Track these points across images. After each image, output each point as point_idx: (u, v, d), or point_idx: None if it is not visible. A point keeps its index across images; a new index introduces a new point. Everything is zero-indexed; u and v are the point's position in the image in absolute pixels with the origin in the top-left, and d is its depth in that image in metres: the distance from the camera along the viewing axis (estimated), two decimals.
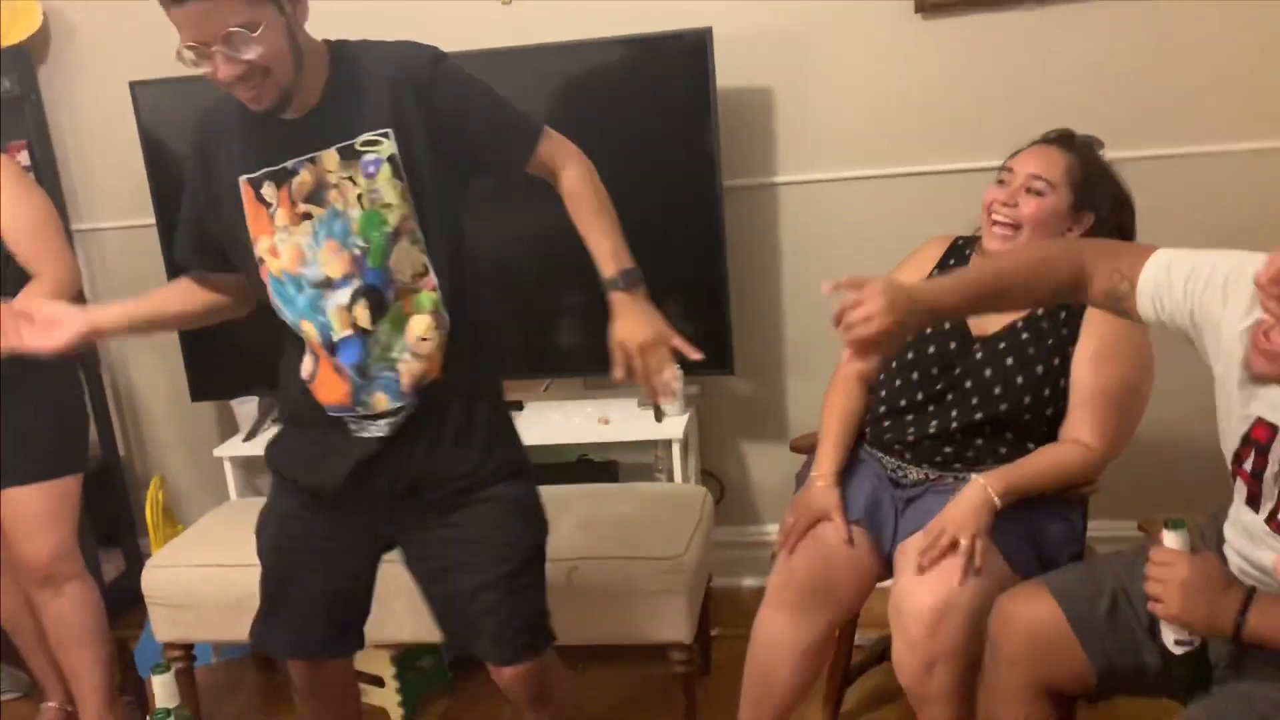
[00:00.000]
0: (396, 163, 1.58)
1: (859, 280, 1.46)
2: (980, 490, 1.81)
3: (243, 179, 1.63)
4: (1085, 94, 2.60)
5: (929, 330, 1.97)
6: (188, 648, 2.45)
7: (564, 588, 2.23)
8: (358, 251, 1.59)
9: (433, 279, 1.64)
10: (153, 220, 2.87)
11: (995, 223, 1.94)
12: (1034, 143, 2.00)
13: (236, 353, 2.75)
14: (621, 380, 1.61)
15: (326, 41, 1.63)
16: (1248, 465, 1.40)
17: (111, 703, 2.42)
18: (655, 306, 1.64)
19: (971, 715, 1.77)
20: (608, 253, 1.65)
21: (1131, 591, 1.57)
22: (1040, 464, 1.86)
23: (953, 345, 1.96)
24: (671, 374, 1.61)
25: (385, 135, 1.58)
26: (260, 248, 1.64)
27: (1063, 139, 1.99)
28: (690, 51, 2.56)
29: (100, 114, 3.03)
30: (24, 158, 2.97)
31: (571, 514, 2.43)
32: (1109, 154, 2.02)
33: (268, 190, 1.61)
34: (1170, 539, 1.44)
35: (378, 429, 1.67)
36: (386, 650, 2.44)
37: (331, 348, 1.64)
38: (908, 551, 1.85)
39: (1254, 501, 1.41)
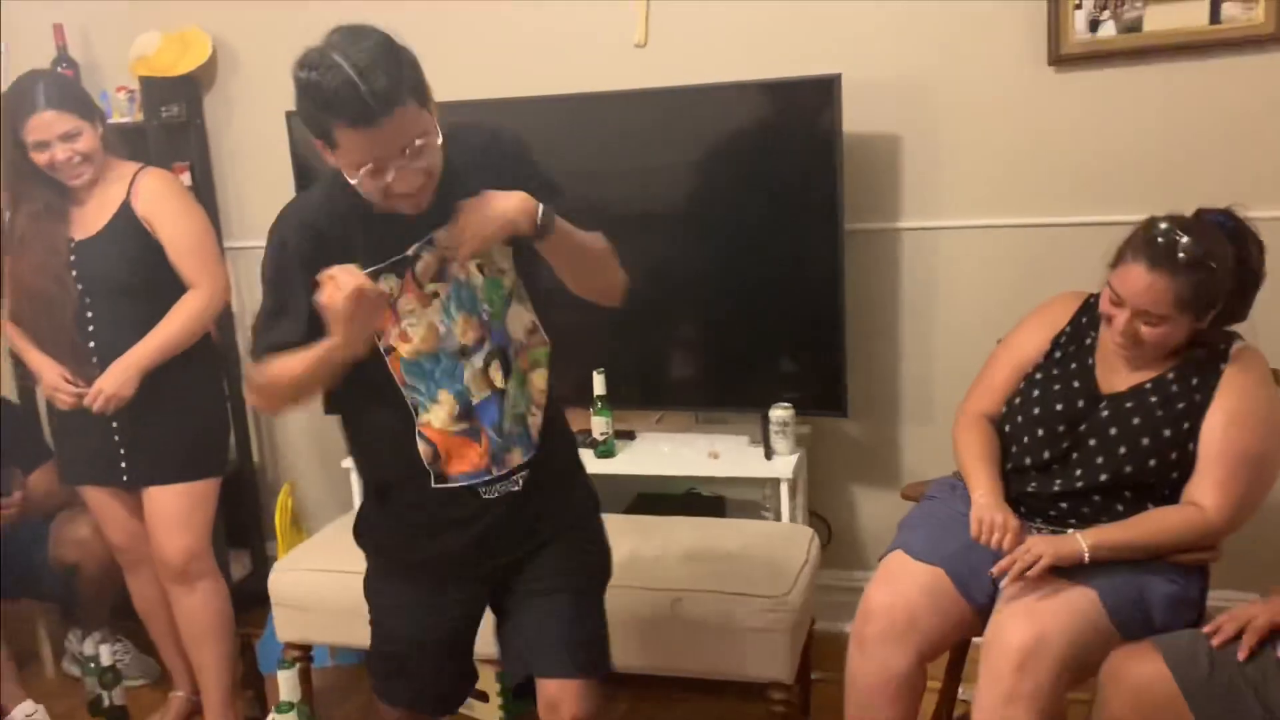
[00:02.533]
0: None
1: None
2: (1072, 539, 1.80)
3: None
4: (1219, 150, 2.54)
5: (1057, 387, 1.96)
6: (306, 648, 2.57)
7: (667, 618, 2.27)
8: (485, 316, 1.68)
9: (542, 334, 1.76)
10: None
11: (1117, 340, 1.88)
12: (1142, 259, 1.82)
13: None
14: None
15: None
16: None
17: (233, 696, 2.55)
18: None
19: None
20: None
21: (1259, 685, 1.52)
22: (1146, 525, 1.82)
23: (1080, 404, 1.94)
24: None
25: None
26: (390, 338, 1.67)
27: (1169, 259, 1.80)
28: (819, 97, 2.60)
29: (256, 140, 3.24)
30: (186, 178, 3.18)
31: (678, 545, 2.47)
32: (1246, 213, 1.95)
33: (387, 283, 1.63)
34: None
35: (512, 484, 1.74)
36: (492, 666, 2.51)
37: (469, 413, 1.70)
38: (1010, 594, 1.83)
39: None
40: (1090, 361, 1.97)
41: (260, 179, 3.27)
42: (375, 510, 1.83)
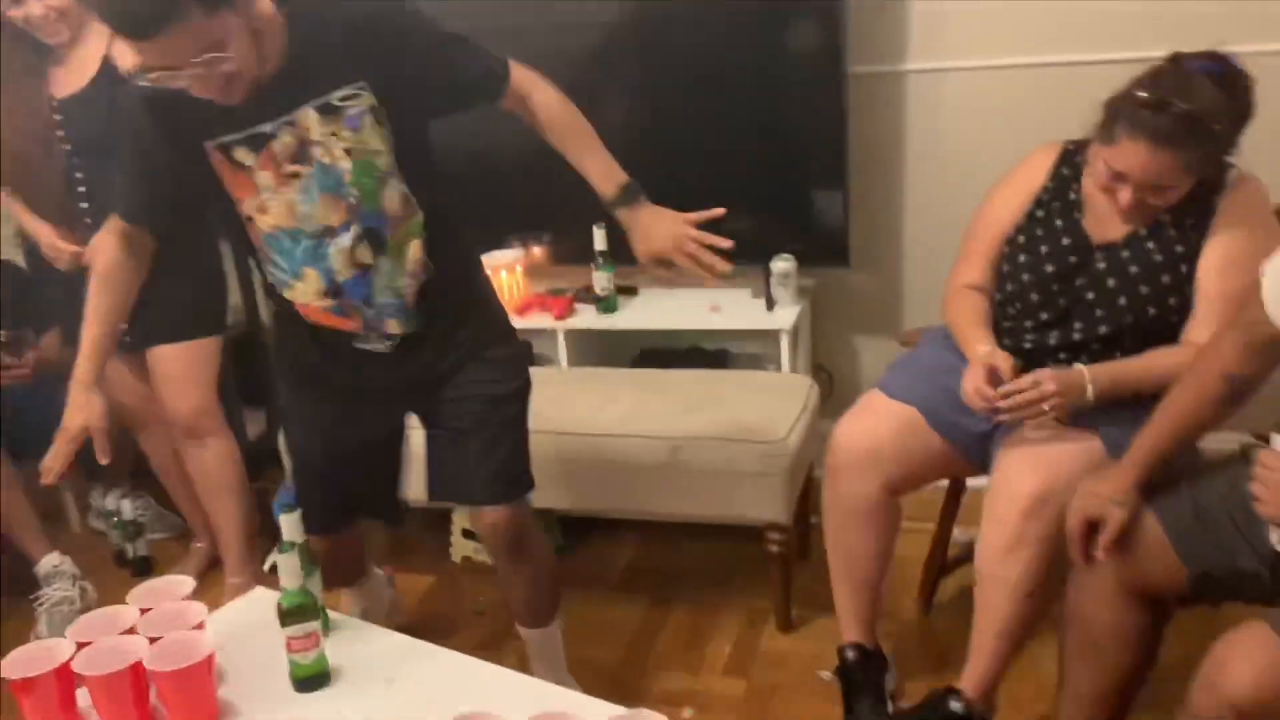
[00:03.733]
0: (378, 111, 1.63)
1: None
2: (1078, 374, 1.78)
3: (209, 145, 1.63)
4: None
5: (1044, 248, 1.91)
6: None
7: (668, 465, 2.32)
8: (353, 200, 1.66)
9: (414, 205, 1.73)
10: None
11: (1121, 209, 1.79)
12: (1139, 135, 1.71)
13: None
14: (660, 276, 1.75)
15: (276, 2, 1.60)
16: None
17: (252, 546, 2.64)
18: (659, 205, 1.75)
19: (1035, 614, 1.79)
20: (601, 173, 1.74)
21: (1231, 498, 1.54)
22: (1148, 364, 1.81)
23: (1072, 259, 1.89)
24: (710, 259, 1.72)
25: (362, 89, 1.62)
26: (247, 207, 1.68)
27: (1171, 134, 1.70)
28: None
29: None
30: None
31: (677, 395, 2.50)
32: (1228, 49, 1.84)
33: (241, 153, 1.63)
34: (1279, 442, 1.40)
35: (383, 345, 1.81)
36: None
37: (336, 290, 1.73)
38: (1015, 439, 1.84)
39: None
40: (1077, 215, 1.91)
41: None
42: (281, 335, 1.93)
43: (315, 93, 1.61)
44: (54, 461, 1.78)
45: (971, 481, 2.26)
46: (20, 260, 3.18)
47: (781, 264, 2.70)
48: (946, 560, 2.36)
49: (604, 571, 2.69)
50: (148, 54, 1.47)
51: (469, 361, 1.85)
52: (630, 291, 2.95)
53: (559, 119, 1.76)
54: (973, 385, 1.81)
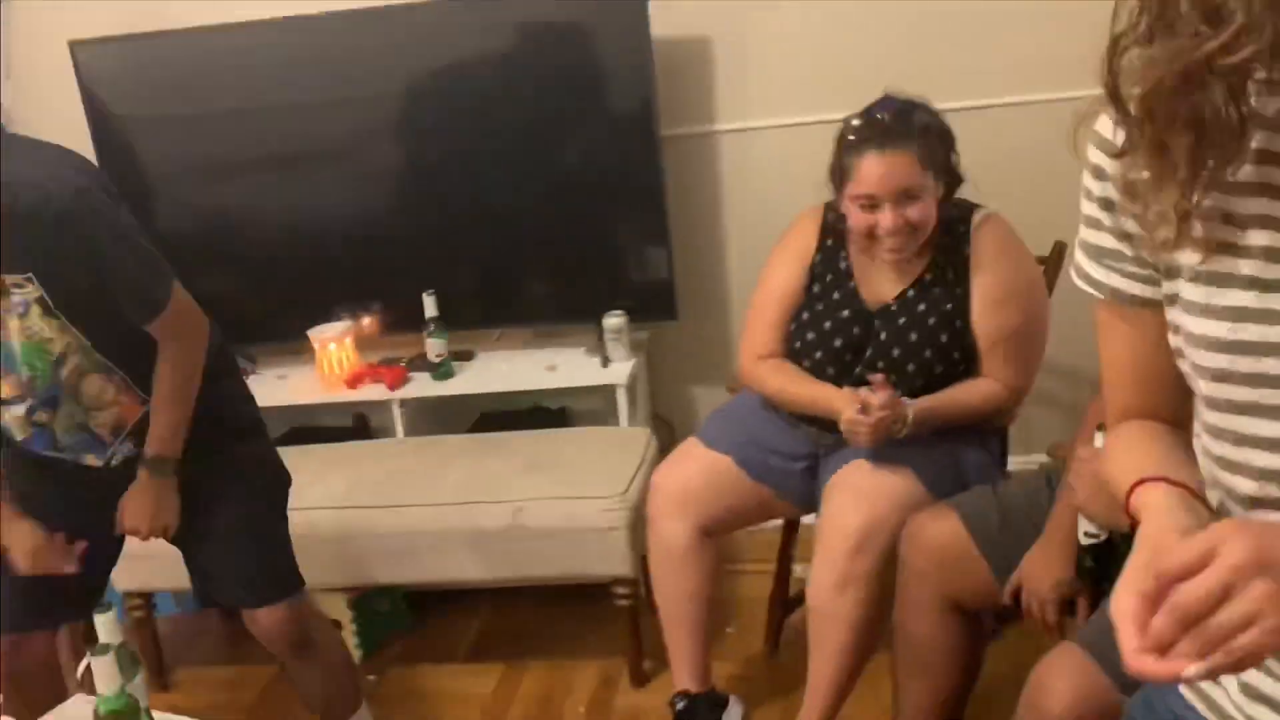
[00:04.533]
0: (45, 302, 1.59)
1: None
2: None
3: None
4: (1025, 36, 2.64)
5: (828, 324, 1.99)
6: (147, 596, 2.52)
7: (511, 528, 2.31)
8: (24, 375, 1.63)
9: (107, 363, 1.68)
10: None
11: (886, 244, 1.89)
12: (869, 150, 1.86)
13: None
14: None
15: None
16: None
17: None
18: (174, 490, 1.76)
19: (867, 645, 1.86)
20: (155, 430, 1.73)
21: (1035, 510, 1.65)
22: (953, 395, 1.93)
23: (855, 329, 1.98)
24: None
25: (29, 279, 1.57)
26: None
27: (899, 135, 1.85)
28: (626, 4, 2.59)
29: (43, 74, 3.03)
30: None
31: (518, 457, 2.50)
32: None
33: None
34: (1099, 439, 1.51)
35: (99, 462, 1.77)
36: (343, 594, 2.51)
37: (18, 443, 1.69)
38: (838, 481, 1.92)
39: None
40: (851, 283, 2.00)
41: (51, 115, 3.06)
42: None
43: None
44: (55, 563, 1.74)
45: (807, 519, 2.34)
46: None
47: (613, 320, 2.75)
48: (788, 598, 2.42)
49: (455, 643, 2.65)
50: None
51: (208, 466, 1.78)
52: (466, 356, 2.95)
53: (160, 372, 1.71)
54: (849, 417, 1.84)
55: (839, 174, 1.92)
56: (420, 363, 2.88)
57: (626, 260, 2.86)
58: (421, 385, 2.84)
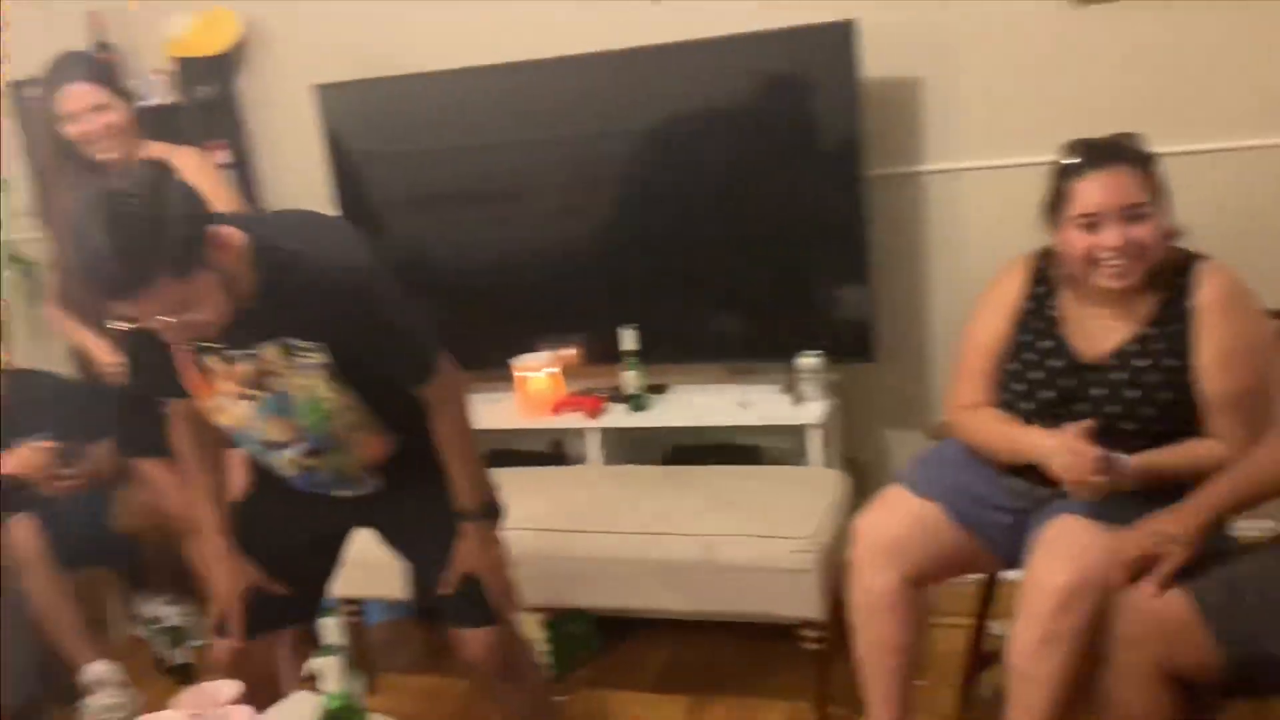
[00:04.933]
0: (329, 369, 1.73)
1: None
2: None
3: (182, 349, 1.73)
4: (1241, 77, 2.51)
5: (1038, 374, 1.93)
6: (357, 603, 2.68)
7: (701, 562, 2.34)
8: (302, 424, 1.77)
9: (373, 422, 1.81)
10: (334, 211, 3.12)
11: (1109, 266, 1.83)
12: (1089, 171, 1.83)
13: None
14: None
15: (249, 240, 1.64)
16: None
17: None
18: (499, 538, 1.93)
19: (1069, 709, 1.77)
20: (458, 485, 1.86)
21: (1264, 579, 1.54)
22: (1178, 452, 1.83)
23: (1066, 383, 1.91)
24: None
25: (319, 348, 1.71)
26: (203, 405, 1.80)
27: (1120, 154, 1.84)
28: (835, 43, 2.60)
29: (288, 117, 3.31)
30: (222, 156, 3.27)
31: (709, 491, 2.53)
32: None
33: (210, 360, 1.74)
34: None
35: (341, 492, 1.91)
36: (538, 614, 2.60)
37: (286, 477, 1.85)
38: (1047, 534, 1.85)
39: None
40: (1061, 334, 1.94)
41: (294, 154, 3.35)
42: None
43: (277, 336, 1.70)
44: (236, 626, 1.90)
45: (1008, 574, 2.26)
46: (73, 374, 3.31)
47: (807, 360, 2.75)
48: (984, 654, 2.34)
49: (642, 671, 2.69)
50: (126, 308, 1.53)
51: (433, 491, 1.88)
52: (660, 390, 3.01)
53: (442, 433, 1.85)
54: (1069, 449, 1.79)
55: (1056, 202, 1.87)
56: (617, 394, 2.96)
57: (825, 299, 2.85)
58: (618, 416, 2.92)
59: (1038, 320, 1.98)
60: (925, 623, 2.03)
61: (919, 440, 2.94)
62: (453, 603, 1.91)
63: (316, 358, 1.71)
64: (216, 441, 1.92)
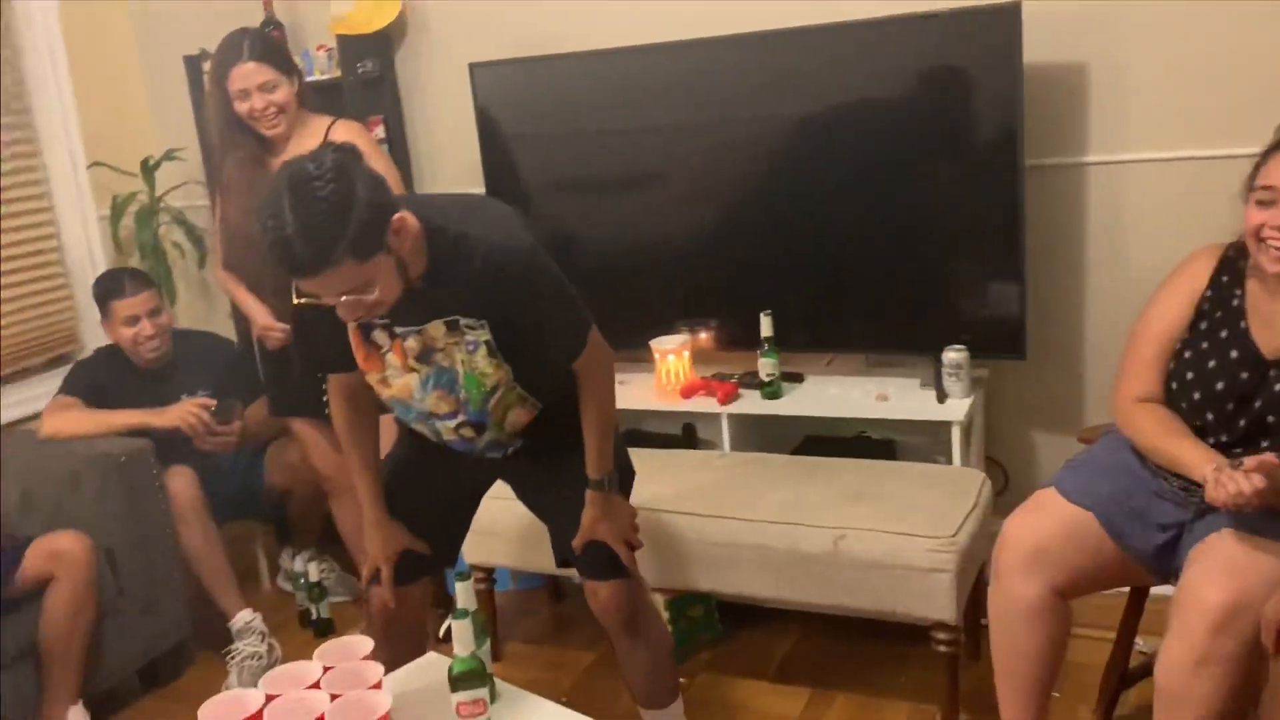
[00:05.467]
0: (491, 346, 1.79)
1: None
2: None
3: (351, 324, 1.80)
4: None
5: (1212, 363, 1.83)
6: (489, 571, 2.74)
7: (830, 555, 2.29)
8: (462, 397, 1.84)
9: (524, 394, 1.87)
10: (483, 189, 3.19)
11: (1273, 247, 1.75)
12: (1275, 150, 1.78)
13: None
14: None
15: (422, 225, 1.69)
16: None
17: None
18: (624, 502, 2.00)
19: None
20: (591, 457, 1.93)
21: None
22: None
23: (1244, 375, 1.80)
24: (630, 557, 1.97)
25: (483, 325, 1.77)
26: (369, 378, 1.88)
27: None
28: (998, 26, 2.50)
29: (442, 94, 3.39)
30: (380, 131, 3.37)
31: (843, 485, 2.48)
32: None
33: (378, 335, 1.82)
34: None
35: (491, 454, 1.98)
36: (661, 594, 2.60)
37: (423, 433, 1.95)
38: (1204, 549, 1.75)
39: None
40: (1243, 325, 1.82)
41: (447, 133, 3.43)
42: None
43: (444, 314, 1.77)
44: (388, 588, 2.01)
45: (1158, 589, 2.15)
46: (233, 335, 3.48)
47: (953, 354, 2.66)
48: (1127, 671, 2.23)
49: (763, 660, 2.67)
50: (306, 285, 1.62)
51: (574, 451, 1.94)
52: (796, 378, 2.96)
53: (586, 406, 1.91)
54: (1222, 480, 1.68)
55: (1250, 179, 1.79)
56: (751, 380, 2.93)
57: (974, 292, 2.75)
58: (750, 402, 2.89)
59: (1220, 309, 1.87)
60: (1067, 634, 1.94)
61: (1065, 443, 2.83)
62: (585, 555, 1.97)
63: (480, 334, 1.78)
64: (373, 414, 2.01)
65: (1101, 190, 2.71)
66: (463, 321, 1.77)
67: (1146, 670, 2.25)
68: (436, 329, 1.78)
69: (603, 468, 1.93)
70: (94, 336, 3.29)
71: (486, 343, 1.79)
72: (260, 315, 2.75)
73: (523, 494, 2.12)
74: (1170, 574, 1.87)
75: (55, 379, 3.04)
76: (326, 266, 1.55)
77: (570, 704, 1.84)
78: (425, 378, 1.82)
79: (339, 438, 2.02)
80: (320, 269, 1.55)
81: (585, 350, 1.85)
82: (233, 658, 2.80)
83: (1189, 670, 1.65)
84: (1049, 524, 1.91)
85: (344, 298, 1.61)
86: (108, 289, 2.91)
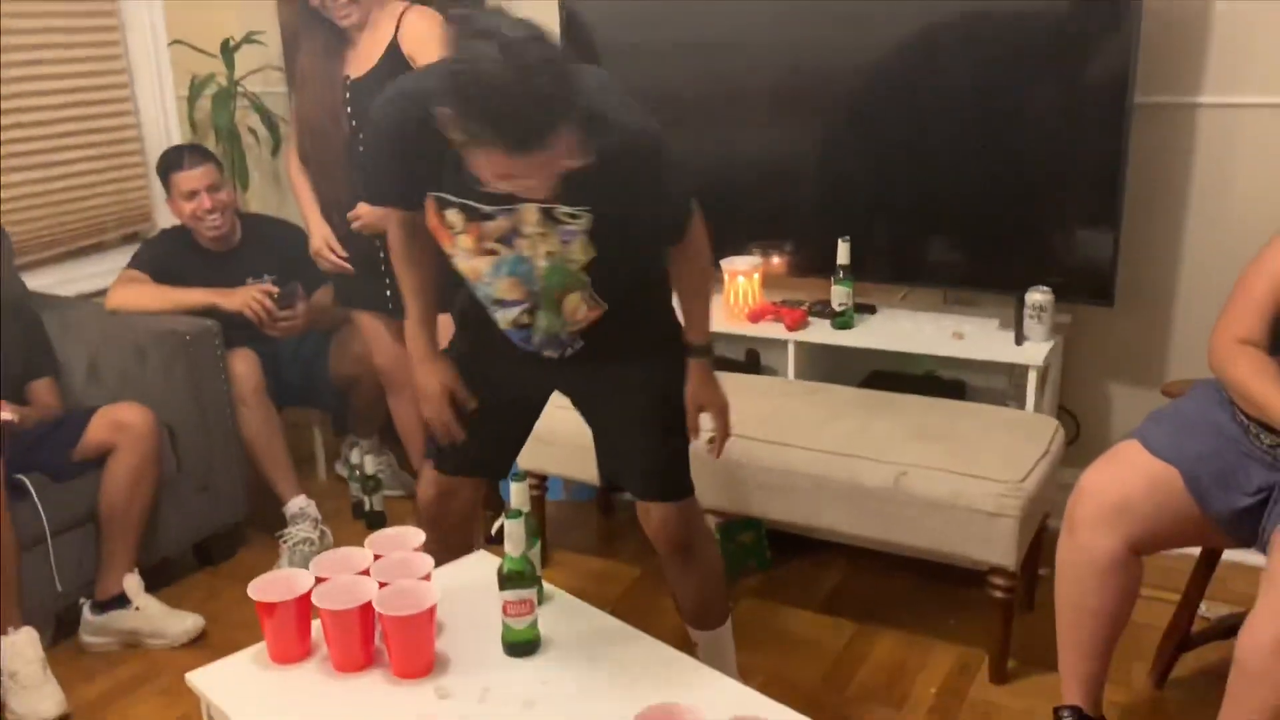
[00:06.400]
0: (591, 233, 1.69)
1: None
2: None
3: (430, 193, 1.69)
4: None
5: None
6: (542, 478, 2.73)
7: (891, 491, 2.24)
8: (536, 289, 1.75)
9: (587, 283, 1.77)
10: None
11: None
12: None
13: None
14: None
15: None
16: None
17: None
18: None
19: None
20: (693, 323, 1.90)
21: None
22: None
23: None
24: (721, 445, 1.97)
25: (586, 211, 1.66)
26: (445, 251, 1.78)
27: None
28: None
29: None
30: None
31: (907, 421, 2.42)
32: None
33: (452, 215, 1.69)
34: None
35: (548, 353, 1.89)
36: (713, 516, 2.57)
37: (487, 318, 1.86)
38: None
39: None
40: None
41: None
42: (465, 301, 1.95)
43: (559, 198, 1.63)
44: (450, 427, 1.94)
45: (1230, 555, 2.07)
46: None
47: (1038, 296, 2.56)
48: (1189, 634, 2.16)
49: (809, 591, 2.64)
50: (508, 164, 1.44)
51: (635, 360, 1.88)
52: (868, 310, 2.88)
53: (685, 276, 1.89)
54: None
55: None
56: (821, 308, 2.85)
57: (1063, 234, 2.63)
58: (819, 331, 2.81)
59: None
60: (1137, 592, 1.87)
61: (1144, 396, 2.73)
62: (638, 476, 1.93)
63: (581, 223, 1.69)
64: (432, 245, 1.87)
65: (1212, 134, 2.56)
66: (561, 211, 1.67)
67: (1208, 636, 2.19)
68: (530, 213, 1.67)
69: (705, 335, 1.90)
70: (166, 217, 3.30)
71: (586, 231, 1.69)
72: (318, 232, 2.75)
73: (578, 404, 2.05)
74: (1250, 539, 1.78)
75: (127, 254, 3.06)
76: (553, 133, 1.41)
77: (616, 615, 1.83)
78: (499, 263, 1.74)
79: (394, 263, 1.92)
80: (546, 137, 1.41)
81: (689, 233, 1.81)
82: (285, 541, 2.84)
83: (1274, 650, 1.57)
84: (1132, 478, 1.82)
85: (527, 179, 1.48)
86: (169, 162, 2.91)
